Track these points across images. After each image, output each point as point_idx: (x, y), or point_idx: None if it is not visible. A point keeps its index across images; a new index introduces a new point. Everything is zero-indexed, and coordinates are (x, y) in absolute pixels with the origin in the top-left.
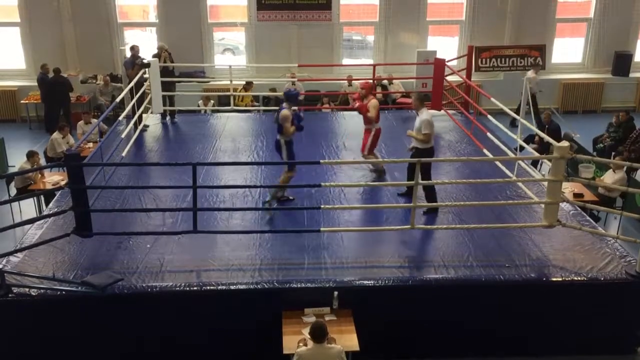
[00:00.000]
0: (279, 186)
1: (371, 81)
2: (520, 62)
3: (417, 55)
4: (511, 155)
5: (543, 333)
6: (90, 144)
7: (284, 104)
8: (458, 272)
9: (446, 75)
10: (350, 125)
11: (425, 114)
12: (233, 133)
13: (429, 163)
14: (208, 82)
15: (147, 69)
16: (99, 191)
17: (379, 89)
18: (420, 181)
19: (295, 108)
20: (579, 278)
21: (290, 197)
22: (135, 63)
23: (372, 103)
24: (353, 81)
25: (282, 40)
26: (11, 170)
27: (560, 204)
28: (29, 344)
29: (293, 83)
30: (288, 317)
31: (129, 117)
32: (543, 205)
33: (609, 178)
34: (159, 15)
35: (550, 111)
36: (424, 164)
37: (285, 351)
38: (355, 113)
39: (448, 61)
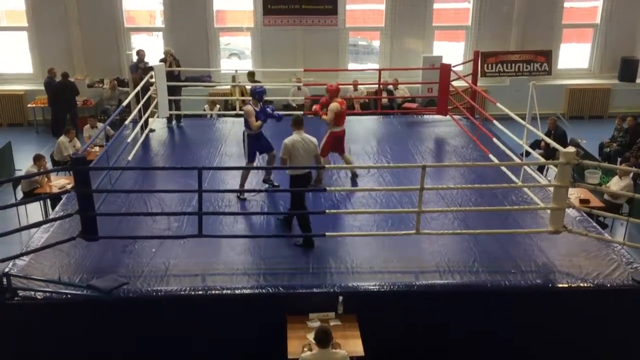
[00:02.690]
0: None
1: (336, 84)
2: (527, 68)
3: (423, 61)
4: (517, 160)
5: (548, 339)
6: (97, 148)
7: (251, 101)
8: (463, 278)
9: (452, 81)
10: (355, 129)
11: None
12: (239, 137)
13: (298, 184)
14: (214, 86)
15: (152, 73)
16: (104, 195)
17: (384, 94)
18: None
19: (267, 105)
20: (585, 284)
21: (275, 183)
22: (138, 67)
23: (330, 106)
24: (359, 86)
25: (288, 45)
26: (18, 173)
27: (567, 209)
28: (35, 347)
29: (299, 88)
30: (293, 321)
31: (135, 121)
32: (549, 211)
33: (616, 184)
34: (166, 20)
35: (556, 117)
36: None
37: (290, 356)
38: (366, 117)
39: (454, 66)
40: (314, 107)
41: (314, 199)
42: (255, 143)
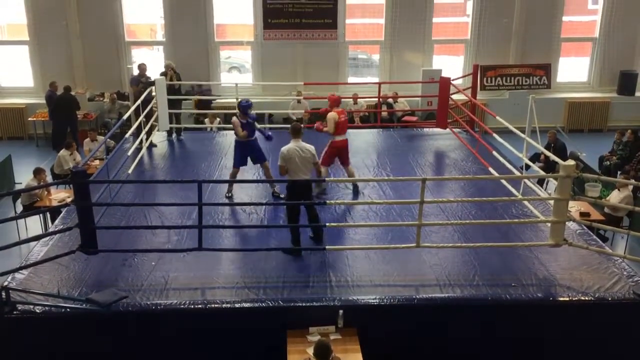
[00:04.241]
0: (229, 181)
1: (337, 95)
2: (526, 81)
3: (422, 74)
4: (517, 173)
5: (549, 353)
6: (97, 162)
7: (238, 113)
8: (464, 291)
9: (451, 94)
10: (355, 142)
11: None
12: None
13: (296, 195)
14: (214, 100)
15: (153, 87)
16: (104, 208)
17: (384, 107)
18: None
19: (264, 131)
20: (586, 298)
21: (282, 195)
22: (140, 81)
23: (328, 116)
24: (358, 99)
25: (288, 58)
26: (18, 187)
27: (567, 223)
28: None
29: (299, 101)
30: (293, 335)
31: (134, 135)
32: (549, 224)
33: (615, 197)
34: (167, 34)
35: (555, 130)
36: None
37: None
38: (366, 131)
39: (453, 80)
40: (316, 124)
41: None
42: (242, 150)
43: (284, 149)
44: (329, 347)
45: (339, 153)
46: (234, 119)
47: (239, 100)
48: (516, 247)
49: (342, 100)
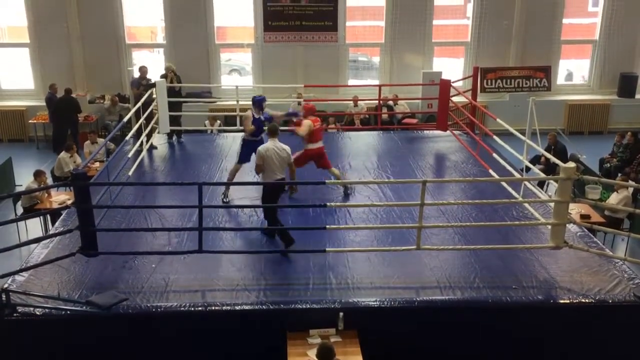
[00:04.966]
0: (229, 183)
1: (312, 104)
2: (526, 83)
3: (422, 76)
4: (517, 176)
5: (549, 355)
6: (97, 164)
7: (252, 108)
8: (464, 293)
9: (452, 96)
10: (355, 145)
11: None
12: None
13: (272, 194)
14: (214, 102)
15: (153, 90)
16: (104, 210)
17: (384, 110)
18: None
19: (266, 114)
20: (587, 300)
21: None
22: (141, 84)
23: (304, 122)
24: (359, 101)
25: (289, 61)
26: (18, 189)
27: (568, 225)
28: None
29: (299, 103)
30: (293, 338)
31: (135, 137)
32: (550, 227)
33: (613, 199)
34: (167, 36)
35: (556, 132)
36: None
37: None
38: (366, 133)
39: (453, 82)
40: (293, 126)
41: (314, 214)
42: (247, 148)
43: (262, 148)
44: (332, 350)
45: (313, 159)
46: (248, 112)
47: (254, 96)
48: (517, 250)
49: (343, 102)
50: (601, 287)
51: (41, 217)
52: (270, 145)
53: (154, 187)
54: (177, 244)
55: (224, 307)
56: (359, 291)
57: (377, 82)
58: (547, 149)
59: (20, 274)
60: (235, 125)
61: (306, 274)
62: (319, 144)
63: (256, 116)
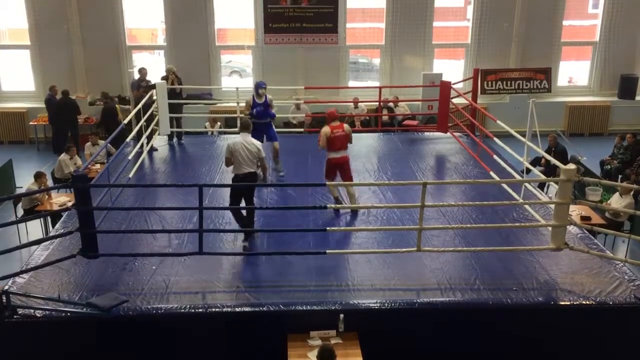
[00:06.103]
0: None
1: (333, 108)
2: (526, 85)
3: (423, 78)
4: (518, 177)
5: (550, 357)
6: (98, 165)
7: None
8: (465, 295)
9: (452, 98)
10: (356, 147)
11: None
12: None
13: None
14: (215, 104)
15: (154, 91)
16: (105, 212)
17: (385, 111)
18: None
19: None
20: (588, 302)
21: (281, 173)
22: (141, 85)
23: (321, 131)
24: (359, 103)
25: (289, 62)
26: (18, 191)
27: (568, 227)
28: None
29: (299, 106)
30: (293, 340)
31: (135, 139)
32: (550, 228)
33: (617, 202)
34: (168, 38)
35: (556, 134)
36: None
37: None
38: (366, 135)
39: (454, 84)
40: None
41: (314, 216)
42: (256, 133)
43: (231, 141)
44: (332, 352)
45: (337, 169)
46: (248, 98)
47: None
48: (517, 251)
49: (343, 104)
50: (602, 289)
51: (41, 219)
52: (239, 140)
53: (154, 189)
54: (178, 246)
55: (225, 309)
56: (359, 293)
57: (377, 84)
58: (548, 151)
59: (21, 275)
60: (236, 127)
61: (307, 276)
62: (342, 153)
63: (257, 101)
